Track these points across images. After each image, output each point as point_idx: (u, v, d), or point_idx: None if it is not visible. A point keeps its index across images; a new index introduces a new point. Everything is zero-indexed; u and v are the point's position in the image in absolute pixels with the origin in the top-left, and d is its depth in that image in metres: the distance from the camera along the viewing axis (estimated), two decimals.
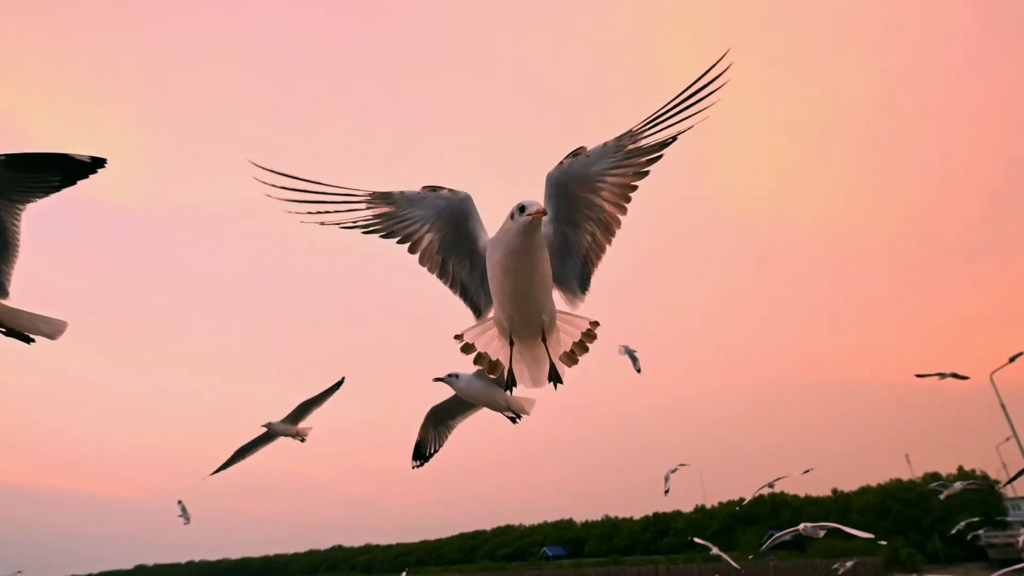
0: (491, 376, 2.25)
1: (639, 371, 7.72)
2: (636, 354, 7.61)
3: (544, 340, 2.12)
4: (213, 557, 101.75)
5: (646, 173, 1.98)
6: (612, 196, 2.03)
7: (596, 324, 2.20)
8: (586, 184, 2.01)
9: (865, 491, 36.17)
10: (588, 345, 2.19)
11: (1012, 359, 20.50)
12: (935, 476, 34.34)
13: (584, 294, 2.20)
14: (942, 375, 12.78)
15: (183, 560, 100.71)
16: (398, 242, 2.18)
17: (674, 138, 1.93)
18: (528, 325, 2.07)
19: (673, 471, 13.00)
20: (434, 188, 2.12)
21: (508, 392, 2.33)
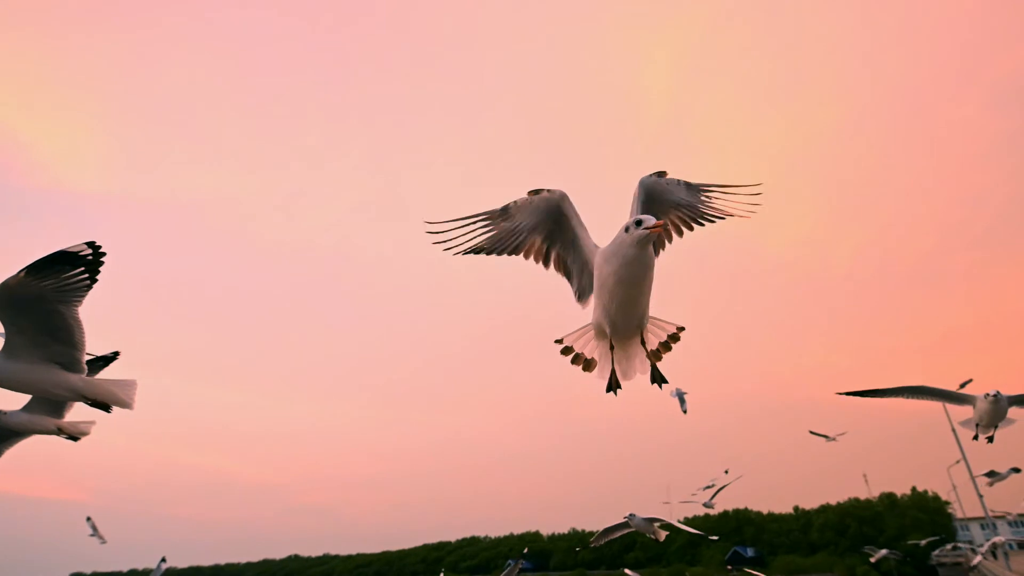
0: (585, 371, 2.45)
1: (685, 412, 8.46)
2: (685, 396, 8.30)
3: (642, 341, 2.34)
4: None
5: (700, 224, 2.50)
6: (672, 224, 2.50)
7: (682, 329, 2.43)
8: (661, 204, 2.43)
9: (825, 509, 37.08)
10: (672, 346, 2.43)
11: (962, 386, 21.62)
12: (890, 496, 35.57)
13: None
14: (828, 437, 13.67)
15: (124, 568, 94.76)
16: (510, 254, 2.44)
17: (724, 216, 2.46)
18: (628, 327, 2.28)
19: (708, 485, 13.01)
20: (536, 191, 2.36)
21: (614, 392, 2.46)
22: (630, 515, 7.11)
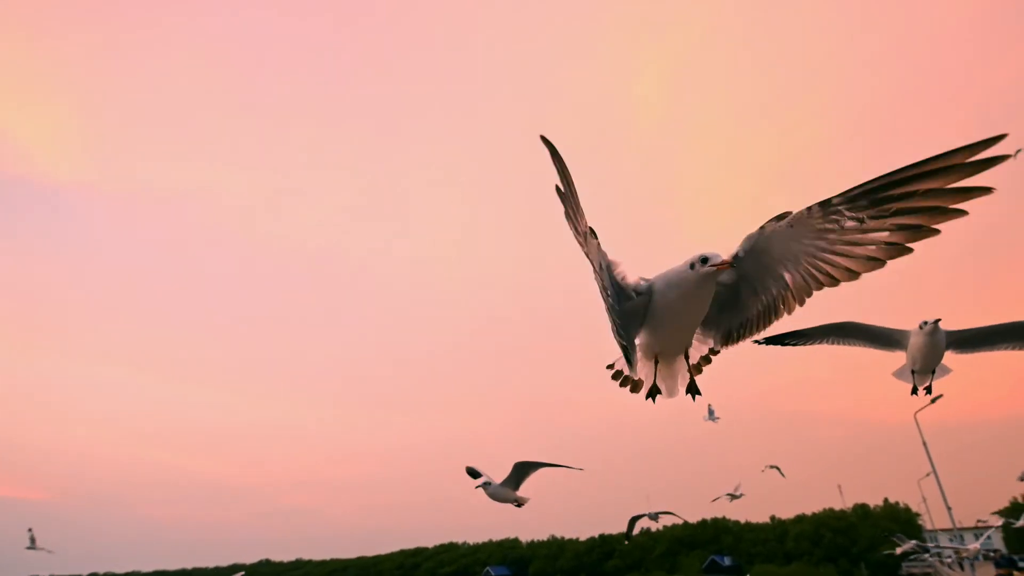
0: (633, 392, 2.55)
1: (715, 420, 8.68)
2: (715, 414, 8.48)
3: (686, 357, 2.42)
4: (121, 569, 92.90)
5: (881, 263, 1.74)
6: (812, 276, 1.99)
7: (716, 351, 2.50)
8: (786, 256, 1.98)
9: (801, 519, 37.71)
10: (712, 358, 2.50)
11: (934, 400, 22.32)
12: (864, 507, 36.39)
13: (721, 346, 2.39)
14: (771, 467, 14.20)
15: (85, 572, 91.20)
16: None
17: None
18: (677, 349, 2.40)
19: (737, 496, 13.11)
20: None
21: (652, 399, 2.48)
22: (485, 482, 5.85)
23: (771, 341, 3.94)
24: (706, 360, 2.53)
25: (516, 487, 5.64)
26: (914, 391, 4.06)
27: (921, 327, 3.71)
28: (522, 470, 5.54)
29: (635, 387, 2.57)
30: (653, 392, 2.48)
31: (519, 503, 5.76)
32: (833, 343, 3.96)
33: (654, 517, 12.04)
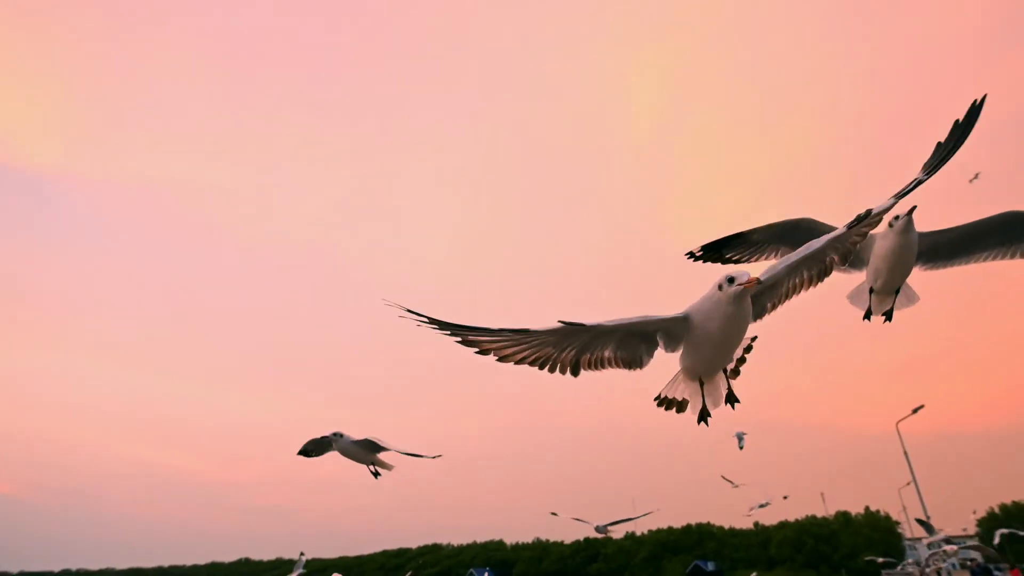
0: (678, 413, 2.62)
1: (741, 448, 8.61)
2: (744, 437, 8.39)
3: (724, 370, 2.51)
4: (95, 566, 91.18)
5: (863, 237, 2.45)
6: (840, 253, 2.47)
7: (754, 339, 2.59)
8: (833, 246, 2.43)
9: (784, 526, 38.01)
10: (746, 358, 2.61)
11: (915, 410, 22.81)
12: (845, 515, 36.80)
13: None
14: (733, 483, 14.53)
15: (57, 568, 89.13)
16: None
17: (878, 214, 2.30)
18: (720, 367, 2.47)
19: (764, 504, 13.25)
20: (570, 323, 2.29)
21: (705, 423, 2.55)
22: (335, 433, 5.21)
23: (707, 249, 3.29)
24: (741, 361, 2.61)
25: (363, 452, 5.22)
26: (867, 316, 3.20)
27: (891, 225, 2.83)
28: (372, 447, 5.13)
29: (680, 408, 2.65)
30: (704, 415, 2.56)
31: (376, 469, 5.25)
32: (784, 254, 3.12)
33: (601, 530, 11.40)
